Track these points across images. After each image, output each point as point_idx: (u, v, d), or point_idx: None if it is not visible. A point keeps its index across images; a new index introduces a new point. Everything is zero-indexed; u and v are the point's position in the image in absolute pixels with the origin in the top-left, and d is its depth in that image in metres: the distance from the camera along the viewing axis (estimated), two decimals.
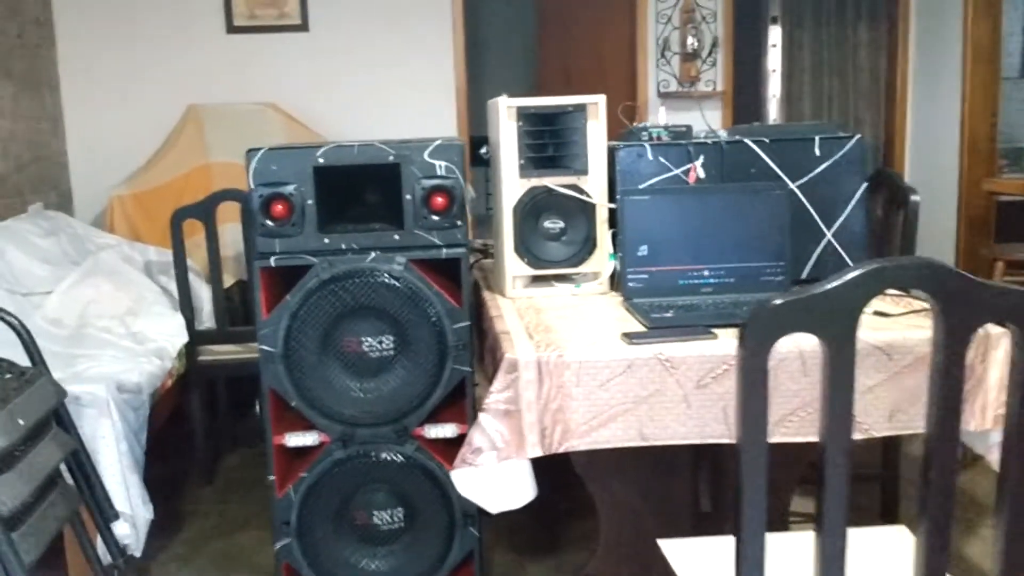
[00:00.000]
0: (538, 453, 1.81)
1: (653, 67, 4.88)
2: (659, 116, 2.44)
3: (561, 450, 1.82)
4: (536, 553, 2.81)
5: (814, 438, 1.86)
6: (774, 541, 1.76)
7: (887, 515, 2.96)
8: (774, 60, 7.75)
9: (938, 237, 4.73)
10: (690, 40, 4.75)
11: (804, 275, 2.34)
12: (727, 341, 1.85)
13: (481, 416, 1.81)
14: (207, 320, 3.57)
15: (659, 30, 4.85)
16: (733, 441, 1.85)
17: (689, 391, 1.82)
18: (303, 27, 4.60)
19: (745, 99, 7.43)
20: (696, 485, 2.27)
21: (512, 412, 1.81)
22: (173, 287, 3.41)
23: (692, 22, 4.76)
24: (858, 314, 1.30)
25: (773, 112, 7.60)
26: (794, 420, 1.84)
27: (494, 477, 1.81)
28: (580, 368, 1.81)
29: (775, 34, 7.66)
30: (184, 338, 3.26)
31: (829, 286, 1.29)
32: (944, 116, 4.66)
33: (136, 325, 3.22)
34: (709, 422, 1.84)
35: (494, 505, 1.84)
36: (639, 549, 2.28)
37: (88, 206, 4.55)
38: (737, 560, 1.39)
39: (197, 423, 3.43)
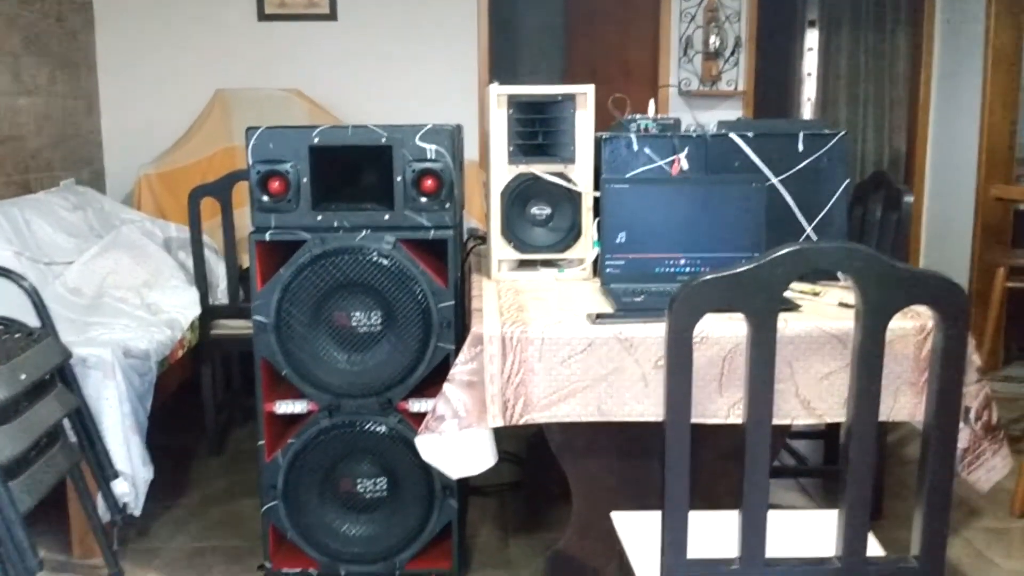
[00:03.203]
0: (499, 424, 1.89)
1: (675, 65, 4.92)
2: (649, 109, 2.50)
3: (522, 422, 1.90)
4: (520, 532, 2.89)
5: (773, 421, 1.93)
6: (715, 518, 1.83)
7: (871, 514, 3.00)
8: (810, 64, 7.74)
9: (954, 243, 4.73)
10: (712, 39, 4.79)
11: None
12: None
13: (445, 386, 1.90)
14: (222, 296, 3.69)
15: (682, 28, 4.90)
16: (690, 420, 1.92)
17: (647, 370, 1.89)
18: (331, 16, 4.71)
19: (772, 101, 7.43)
20: None
21: (475, 383, 1.89)
22: (191, 263, 3.53)
23: (715, 21, 4.81)
24: (780, 293, 1.36)
25: (807, 116, 7.58)
26: None
27: (456, 444, 1.90)
28: (542, 344, 1.88)
29: (812, 38, 7.65)
30: (197, 311, 3.39)
31: (752, 265, 1.35)
32: (964, 123, 4.65)
33: (151, 297, 3.35)
34: None
35: (455, 471, 1.92)
36: (610, 528, 2.34)
37: (120, 184, 4.71)
38: (663, 533, 1.46)
39: (208, 394, 3.56)
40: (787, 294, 2.17)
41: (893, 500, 3.05)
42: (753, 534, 1.44)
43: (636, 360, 1.88)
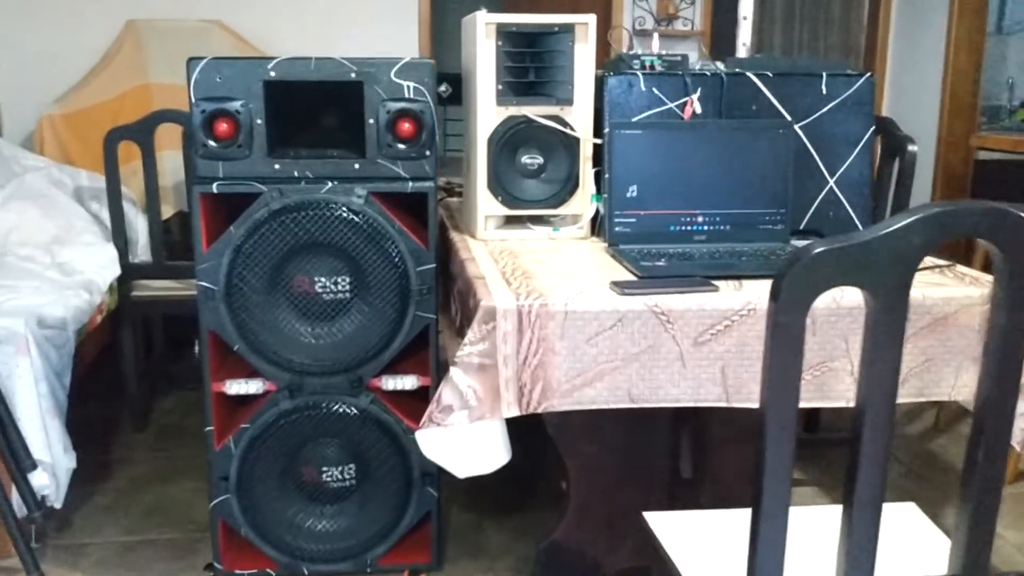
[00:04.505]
0: (515, 413, 1.61)
1: (629, 2, 4.62)
2: (653, 43, 2.21)
3: (540, 410, 1.61)
4: (496, 513, 2.62)
5: (818, 403, 1.70)
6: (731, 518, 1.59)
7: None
8: (746, 7, 7.53)
9: (913, 195, 4.59)
10: None
11: (802, 225, 2.14)
12: (730, 294, 1.65)
13: (452, 370, 1.59)
14: (142, 253, 3.29)
15: None
16: (728, 404, 1.67)
17: (686, 348, 1.62)
18: None
19: (728, 43, 7.21)
20: (676, 449, 2.09)
21: (487, 367, 1.59)
22: (106, 215, 3.12)
23: None
24: (914, 266, 1.10)
25: None
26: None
27: (464, 439, 1.60)
28: (566, 319, 1.60)
29: None
30: (116, 271, 2.99)
31: (881, 232, 1.09)
32: (926, 70, 4.49)
33: (63, 255, 2.94)
34: (705, 383, 1.64)
35: (462, 469, 1.63)
36: (612, 516, 2.10)
37: (17, 125, 4.20)
38: (752, 559, 1.20)
39: (129, 363, 3.17)
40: None
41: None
42: (861, 555, 1.19)
43: (673, 336, 1.62)
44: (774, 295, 1.10)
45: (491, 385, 1.59)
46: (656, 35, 2.30)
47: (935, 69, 4.41)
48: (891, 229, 1.08)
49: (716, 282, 1.70)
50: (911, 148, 2.60)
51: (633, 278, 1.74)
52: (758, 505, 1.18)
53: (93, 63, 4.06)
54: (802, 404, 1.66)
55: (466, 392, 1.58)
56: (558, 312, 1.59)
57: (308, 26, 4.37)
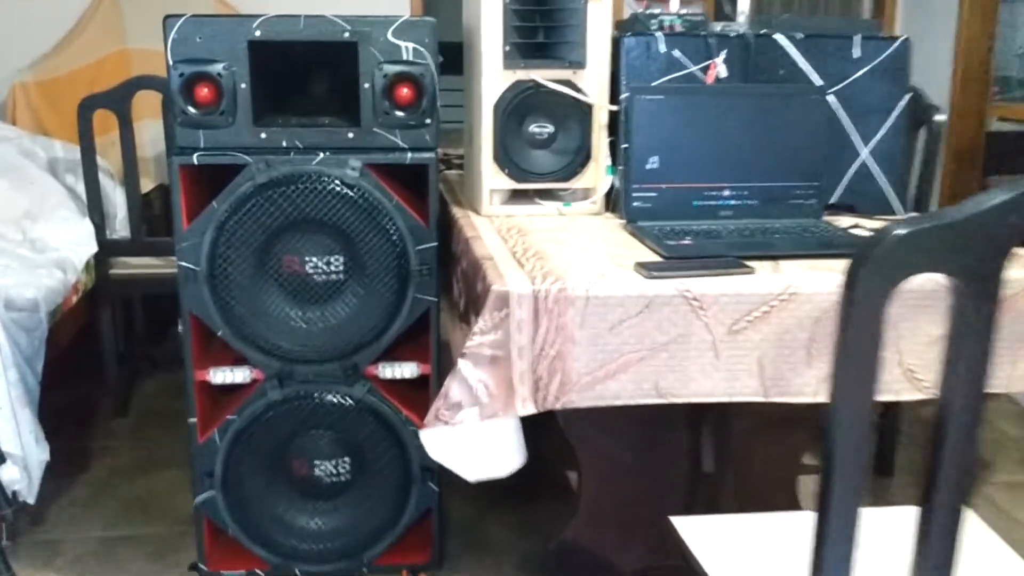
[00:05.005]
0: (530, 410, 1.45)
1: None
2: (672, 2, 2.04)
3: (558, 406, 1.46)
4: (497, 507, 2.47)
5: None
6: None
7: (881, 469, 2.70)
8: None
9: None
10: None
11: (834, 200, 1.98)
12: (767, 277, 1.49)
13: (461, 363, 1.43)
14: (121, 228, 3.12)
15: None
16: (766, 399, 1.52)
17: (719, 337, 1.47)
18: None
19: (721, 13, 7.01)
20: (697, 441, 1.94)
21: (500, 359, 1.43)
22: (81, 189, 2.94)
23: None
24: (1007, 249, 0.95)
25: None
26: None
27: (475, 438, 1.45)
28: (587, 305, 1.44)
29: None
30: (93, 248, 2.82)
31: (972, 212, 0.94)
32: (937, 39, 4.32)
33: (36, 231, 2.76)
34: (740, 375, 1.49)
35: (473, 472, 1.48)
36: (627, 513, 1.95)
37: None
38: (818, 547, 1.05)
39: (107, 345, 3.00)
40: (860, 233, 1.78)
41: (904, 458, 2.74)
42: (938, 562, 1.04)
43: (706, 324, 1.46)
44: (850, 283, 0.94)
45: (504, 379, 1.43)
46: None
47: (947, 37, 4.24)
48: (984, 208, 0.93)
49: (750, 263, 1.54)
50: (938, 117, 2.44)
51: (658, 259, 1.58)
52: (825, 510, 1.03)
53: (68, 28, 3.86)
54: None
55: (476, 387, 1.43)
56: (578, 297, 1.43)
57: None
